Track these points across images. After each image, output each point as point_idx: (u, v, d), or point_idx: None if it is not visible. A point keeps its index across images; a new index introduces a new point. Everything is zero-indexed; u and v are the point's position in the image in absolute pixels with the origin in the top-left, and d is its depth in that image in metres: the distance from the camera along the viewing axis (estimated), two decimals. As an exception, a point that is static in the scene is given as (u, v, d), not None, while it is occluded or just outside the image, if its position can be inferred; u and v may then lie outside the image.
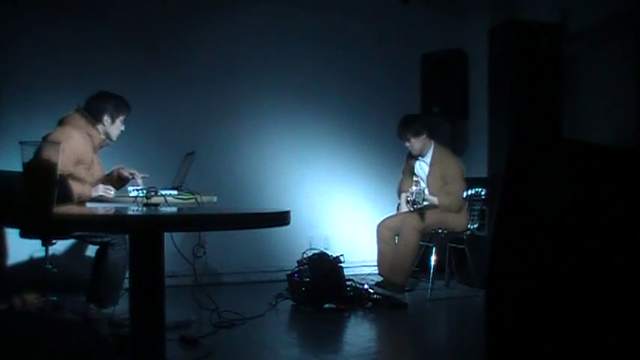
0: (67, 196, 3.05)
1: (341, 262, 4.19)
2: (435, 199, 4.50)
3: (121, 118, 3.58)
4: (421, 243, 4.58)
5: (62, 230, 3.13)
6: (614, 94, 4.31)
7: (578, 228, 0.96)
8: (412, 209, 4.49)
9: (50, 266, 3.43)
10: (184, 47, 4.97)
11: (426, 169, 4.68)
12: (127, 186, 3.66)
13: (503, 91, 4.62)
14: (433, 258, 4.50)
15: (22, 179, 1.52)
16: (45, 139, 3.17)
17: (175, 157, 3.96)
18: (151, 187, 2.66)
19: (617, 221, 0.94)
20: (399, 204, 4.90)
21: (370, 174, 5.49)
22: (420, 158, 4.71)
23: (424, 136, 4.61)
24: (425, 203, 4.46)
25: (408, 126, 4.60)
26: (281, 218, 1.92)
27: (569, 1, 4.69)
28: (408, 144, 4.65)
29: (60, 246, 4.08)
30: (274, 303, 4.09)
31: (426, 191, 4.56)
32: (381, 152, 5.34)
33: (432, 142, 4.68)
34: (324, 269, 4.07)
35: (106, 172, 3.68)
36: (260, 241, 4.81)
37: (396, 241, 4.58)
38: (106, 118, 3.53)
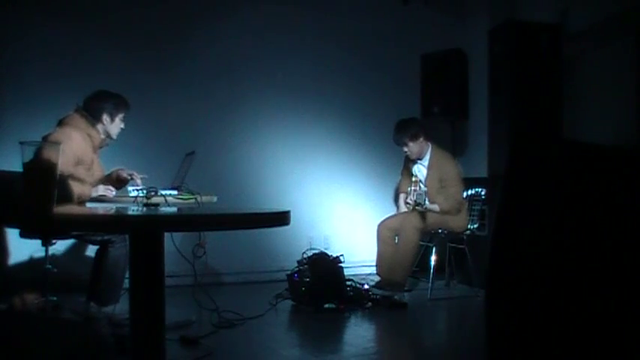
0: (67, 197, 3.05)
1: (341, 262, 4.19)
2: (435, 207, 4.50)
3: (120, 116, 3.58)
4: (421, 243, 4.58)
5: (62, 230, 3.13)
6: (614, 94, 4.31)
7: (578, 228, 0.96)
8: (416, 209, 4.49)
9: (50, 266, 3.42)
10: (184, 47, 4.97)
11: (424, 171, 4.68)
12: (126, 186, 3.66)
13: (503, 91, 4.62)
14: (433, 258, 4.50)
15: (22, 179, 1.52)
16: (45, 139, 3.16)
17: (175, 157, 3.96)
18: (151, 187, 2.66)
19: (617, 221, 0.94)
20: (399, 205, 4.90)
21: (370, 174, 5.49)
22: (418, 161, 4.71)
23: (421, 138, 4.61)
24: (427, 203, 4.47)
25: (405, 130, 4.59)
26: (281, 218, 1.92)
27: (569, 1, 4.69)
28: (405, 148, 4.63)
29: (60, 246, 4.08)
30: (274, 303, 4.09)
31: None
32: (381, 152, 5.34)
33: (429, 144, 4.68)
34: (324, 269, 4.08)
35: (106, 173, 3.68)
36: (260, 241, 4.81)
37: (396, 241, 4.58)
38: (105, 117, 3.53)
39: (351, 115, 5.44)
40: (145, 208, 2.34)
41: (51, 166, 1.54)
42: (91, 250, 4.00)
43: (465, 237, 4.61)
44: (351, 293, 4.13)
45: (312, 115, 5.34)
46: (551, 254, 0.97)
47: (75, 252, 4.46)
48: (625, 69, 4.17)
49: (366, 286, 4.24)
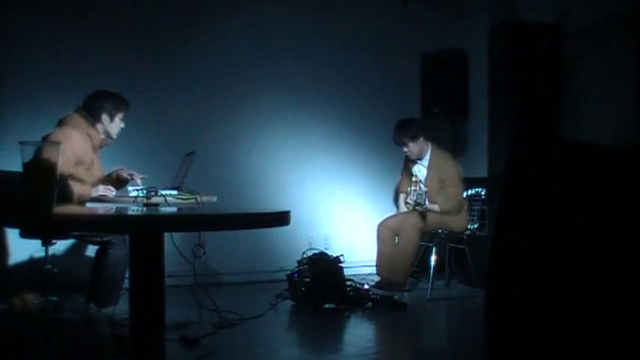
0: (67, 197, 3.05)
1: (341, 262, 4.19)
2: (435, 207, 4.50)
3: (120, 115, 3.58)
4: (421, 243, 4.58)
5: (62, 230, 3.13)
6: (614, 94, 4.30)
7: (578, 228, 0.96)
8: (416, 209, 4.50)
9: (50, 266, 3.43)
10: (184, 47, 4.97)
11: (424, 171, 4.68)
12: (126, 186, 3.66)
13: (504, 91, 4.62)
14: (433, 258, 4.50)
15: (22, 179, 1.52)
16: (45, 139, 3.17)
17: (175, 157, 3.96)
18: (151, 187, 2.66)
19: (617, 221, 0.94)
20: (399, 205, 4.90)
21: (370, 174, 5.49)
22: (418, 161, 4.71)
23: (421, 139, 4.61)
24: (427, 203, 4.47)
25: (404, 131, 4.59)
26: (281, 218, 1.92)
27: (569, 1, 4.69)
28: (405, 149, 4.63)
29: (60, 246, 4.08)
30: (274, 303, 4.09)
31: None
32: (381, 152, 5.34)
33: (429, 144, 4.68)
34: (324, 269, 4.07)
35: (106, 173, 3.68)
36: (260, 241, 4.81)
37: (396, 241, 4.59)
38: (105, 117, 3.53)
39: (351, 115, 5.44)
40: (145, 208, 2.35)
41: (51, 166, 1.54)
42: (91, 250, 4.00)
43: (465, 237, 4.61)
44: (351, 293, 4.12)
45: (312, 114, 5.34)
46: (551, 254, 0.97)
47: (75, 252, 4.46)
48: (625, 69, 4.17)
49: (366, 286, 4.24)
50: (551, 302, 0.96)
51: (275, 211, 1.98)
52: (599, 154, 1.00)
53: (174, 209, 2.67)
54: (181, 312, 3.52)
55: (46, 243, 3.42)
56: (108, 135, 3.59)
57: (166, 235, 2.22)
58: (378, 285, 4.45)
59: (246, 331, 3.44)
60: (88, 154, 3.46)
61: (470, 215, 4.67)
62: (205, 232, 3.76)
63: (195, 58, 5.00)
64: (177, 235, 3.23)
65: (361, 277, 4.71)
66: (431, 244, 4.61)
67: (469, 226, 4.62)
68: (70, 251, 4.44)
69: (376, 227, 4.70)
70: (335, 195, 5.41)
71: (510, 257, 1.00)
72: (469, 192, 4.75)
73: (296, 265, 4.21)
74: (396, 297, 4.23)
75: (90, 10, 4.68)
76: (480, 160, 4.97)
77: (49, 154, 1.58)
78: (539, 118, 4.50)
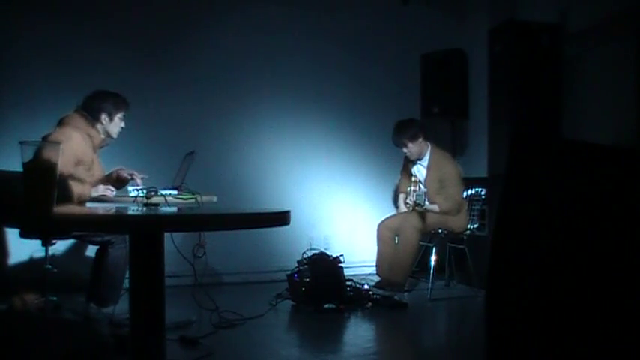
0: (67, 197, 3.05)
1: (341, 262, 4.19)
2: (435, 207, 4.50)
3: (120, 115, 3.57)
4: (421, 243, 4.58)
5: (62, 230, 3.13)
6: (614, 94, 4.31)
7: (578, 228, 0.96)
8: (415, 209, 4.50)
9: (50, 266, 3.43)
10: (184, 47, 4.97)
11: (424, 172, 4.68)
12: (127, 186, 3.66)
13: (503, 91, 4.62)
14: (433, 258, 4.50)
15: (22, 179, 1.52)
16: (44, 139, 3.17)
17: (175, 157, 3.96)
18: (151, 187, 2.66)
19: (617, 221, 0.94)
20: (398, 206, 4.91)
21: (370, 174, 5.49)
22: (417, 162, 4.71)
23: (420, 139, 4.61)
24: (427, 204, 4.47)
25: (404, 132, 4.59)
26: (281, 218, 1.92)
27: (569, 1, 4.69)
28: (405, 150, 4.63)
29: (60, 246, 4.08)
30: (274, 303, 4.09)
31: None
32: (381, 152, 5.34)
33: (429, 144, 4.68)
34: (324, 269, 4.08)
35: (106, 173, 3.68)
36: (260, 241, 4.81)
37: (396, 241, 4.59)
38: (104, 117, 3.52)
39: (351, 115, 5.44)
40: (145, 208, 2.34)
41: (51, 166, 1.54)
42: (91, 250, 4.00)
43: (464, 237, 4.61)
44: (351, 293, 4.13)
45: (312, 114, 5.34)
46: (552, 254, 0.97)
47: (75, 252, 4.46)
48: (625, 69, 4.17)
49: (366, 286, 4.25)
50: (552, 302, 0.96)
51: (275, 211, 1.98)
52: (599, 154, 1.00)
53: (174, 209, 2.67)
54: (181, 312, 3.52)
55: (46, 243, 3.42)
56: (108, 135, 3.59)
57: (166, 235, 2.22)
58: (378, 285, 4.45)
59: (246, 331, 3.44)
60: (87, 154, 3.46)
61: (470, 215, 4.67)
62: (205, 232, 3.76)
63: (195, 58, 5.00)
64: (177, 235, 3.23)
65: (361, 277, 4.71)
66: (431, 244, 4.61)
67: (469, 226, 4.62)
68: (70, 251, 4.44)
69: (376, 227, 4.70)
70: (335, 195, 5.41)
71: (510, 257, 1.00)
72: (469, 192, 4.75)
73: (296, 265, 4.21)
74: (396, 297, 4.23)
75: (90, 10, 4.68)
76: (480, 160, 4.97)
77: (49, 154, 1.58)
78: (539, 118, 4.50)
